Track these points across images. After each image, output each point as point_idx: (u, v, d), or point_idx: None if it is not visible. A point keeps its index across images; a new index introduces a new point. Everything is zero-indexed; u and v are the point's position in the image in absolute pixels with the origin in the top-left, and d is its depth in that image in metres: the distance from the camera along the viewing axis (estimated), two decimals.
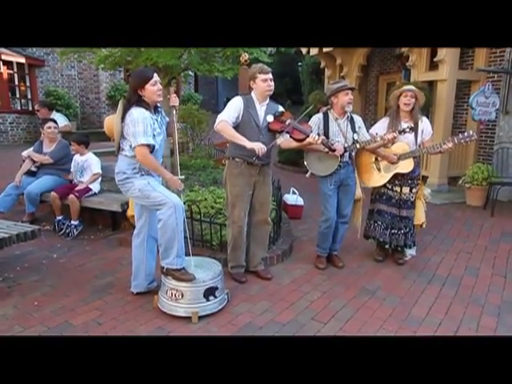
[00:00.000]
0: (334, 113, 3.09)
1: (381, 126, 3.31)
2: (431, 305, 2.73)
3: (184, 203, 2.83)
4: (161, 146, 2.56)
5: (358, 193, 3.29)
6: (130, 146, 2.43)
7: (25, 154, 4.48)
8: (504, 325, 2.47)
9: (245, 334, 2.34)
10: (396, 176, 3.23)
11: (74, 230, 3.96)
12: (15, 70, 10.71)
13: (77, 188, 4.04)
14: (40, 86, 11.28)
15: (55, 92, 10.63)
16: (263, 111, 2.85)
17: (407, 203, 3.27)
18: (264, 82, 2.78)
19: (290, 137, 2.86)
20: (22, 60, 10.68)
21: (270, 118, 2.84)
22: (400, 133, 2.96)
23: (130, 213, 3.47)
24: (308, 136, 2.81)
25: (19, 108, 11.08)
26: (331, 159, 3.00)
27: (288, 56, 16.01)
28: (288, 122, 2.83)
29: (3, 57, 10.07)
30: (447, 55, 5.65)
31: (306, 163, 3.15)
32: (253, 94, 2.86)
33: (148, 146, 2.38)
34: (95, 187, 4.16)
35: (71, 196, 3.94)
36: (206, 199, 3.80)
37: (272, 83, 2.81)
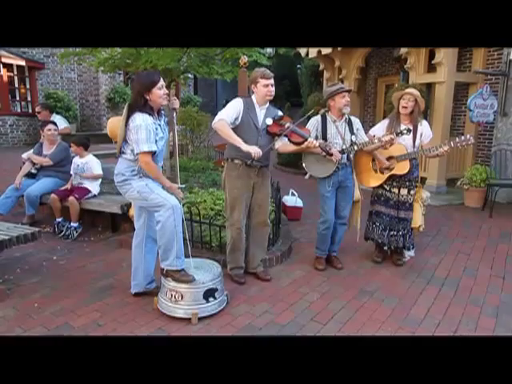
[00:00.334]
0: (331, 115, 3.11)
1: (380, 128, 3.34)
2: (430, 305, 2.74)
3: (183, 205, 2.85)
4: (162, 150, 2.58)
5: (357, 194, 3.31)
6: (132, 150, 2.44)
7: (25, 156, 4.50)
8: (502, 325, 2.48)
9: (244, 335, 2.34)
10: (394, 177, 3.25)
11: (74, 232, 3.97)
12: (15, 72, 10.74)
13: (76, 187, 4.04)
14: (40, 89, 11.30)
15: (55, 94, 10.65)
16: (263, 114, 2.88)
17: (405, 205, 3.29)
18: (265, 88, 2.79)
19: (289, 140, 2.88)
20: (22, 63, 10.71)
21: (269, 121, 2.86)
22: (397, 134, 2.98)
23: (131, 212, 3.48)
24: (306, 140, 2.83)
25: (19, 110, 11.10)
26: (329, 161, 3.02)
27: (287, 58, 16.08)
28: (287, 125, 2.85)
29: (3, 59, 10.10)
30: (445, 57, 5.68)
31: (304, 165, 3.17)
32: (253, 97, 2.89)
33: (150, 152, 2.40)
34: (95, 189, 4.17)
35: (71, 198, 3.95)
36: (205, 201, 3.81)
37: (273, 88, 2.83)
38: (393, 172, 3.21)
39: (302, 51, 8.23)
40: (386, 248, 3.47)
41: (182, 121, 6.91)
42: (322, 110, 3.14)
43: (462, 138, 2.99)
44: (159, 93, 2.41)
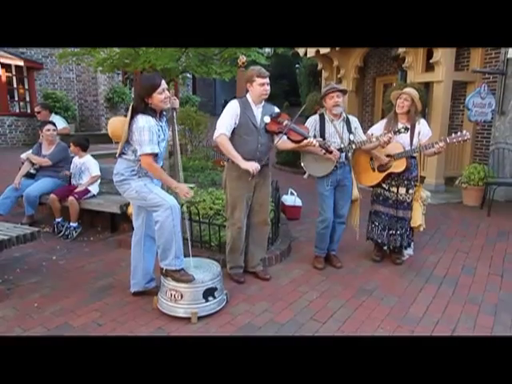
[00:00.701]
0: (329, 114, 3.12)
1: (378, 127, 3.35)
2: (429, 304, 2.75)
3: (182, 205, 2.85)
4: (162, 151, 2.58)
5: (355, 193, 3.31)
6: (133, 151, 2.45)
7: (24, 156, 4.50)
8: (500, 323, 2.50)
9: (244, 334, 2.35)
10: (392, 176, 3.26)
11: (73, 232, 3.98)
12: (14, 72, 10.73)
13: (76, 190, 4.06)
14: (38, 89, 11.29)
15: (53, 95, 10.64)
16: (260, 113, 2.88)
17: (403, 204, 3.29)
18: (261, 86, 2.79)
19: (288, 138, 2.89)
20: (21, 63, 10.70)
21: (267, 119, 2.86)
22: (395, 133, 2.99)
23: (130, 211, 3.49)
24: (305, 138, 2.84)
25: (18, 111, 11.09)
26: (327, 160, 3.03)
27: (285, 58, 16.08)
28: (285, 123, 2.85)
29: (1, 60, 10.09)
30: (443, 56, 5.70)
31: (302, 164, 3.18)
32: (248, 96, 2.88)
33: (152, 154, 2.40)
34: (94, 189, 4.18)
35: (70, 198, 3.95)
36: (204, 200, 3.81)
37: (268, 87, 2.83)
38: (390, 170, 3.22)
39: (301, 51, 8.24)
40: (385, 248, 3.48)
41: (181, 120, 6.91)
42: (321, 110, 3.15)
43: (458, 133, 3.00)
44: (160, 97, 2.40)
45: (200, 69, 5.26)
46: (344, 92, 3.13)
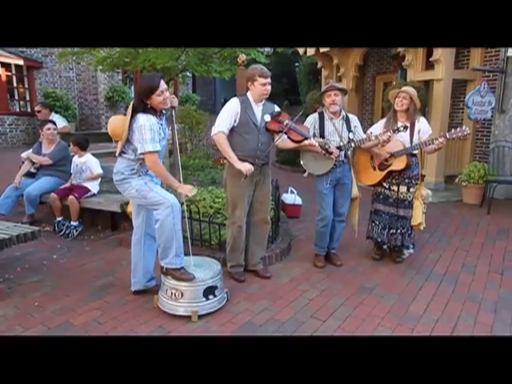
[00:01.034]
0: (328, 113, 3.12)
1: (378, 126, 3.35)
2: (429, 302, 2.75)
3: (182, 203, 2.86)
4: (162, 149, 2.59)
5: (355, 191, 3.31)
6: (133, 150, 2.45)
7: (24, 155, 4.50)
8: (501, 321, 2.50)
9: (244, 332, 2.36)
10: (393, 175, 3.26)
11: (74, 231, 3.98)
12: (13, 71, 10.73)
13: (76, 186, 4.05)
14: (38, 88, 11.29)
15: (53, 93, 10.64)
16: (260, 111, 2.88)
17: (404, 203, 3.27)
18: (262, 86, 2.79)
19: (288, 137, 2.89)
20: (21, 62, 10.70)
21: (268, 118, 2.86)
22: (394, 131, 2.98)
23: (129, 209, 3.49)
24: (306, 138, 2.85)
25: (18, 110, 11.10)
26: (327, 158, 3.03)
27: (285, 56, 16.06)
28: (286, 122, 2.85)
29: (1, 59, 10.09)
30: (443, 55, 5.69)
31: (302, 162, 3.18)
32: (249, 94, 2.88)
33: (155, 152, 2.40)
34: (94, 188, 4.18)
35: (71, 197, 3.96)
36: (204, 199, 3.82)
37: (269, 87, 2.83)
38: (391, 168, 3.22)
39: (300, 49, 8.24)
40: (385, 247, 3.48)
41: (181, 119, 6.92)
42: (321, 108, 3.15)
43: (458, 129, 2.99)
44: (159, 99, 2.40)
45: (200, 67, 5.26)
46: (343, 91, 3.13)
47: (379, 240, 3.38)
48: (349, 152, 3.18)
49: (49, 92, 10.68)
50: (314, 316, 2.55)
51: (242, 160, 2.79)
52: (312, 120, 3.15)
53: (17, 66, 10.71)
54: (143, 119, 2.37)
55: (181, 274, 2.48)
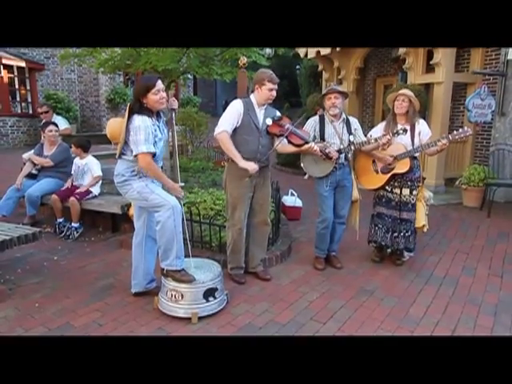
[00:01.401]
0: (328, 115, 3.14)
1: (378, 129, 3.35)
2: (429, 304, 2.76)
3: (183, 205, 2.87)
4: (161, 150, 2.60)
5: (355, 194, 3.32)
6: (131, 151, 2.46)
7: (25, 156, 4.52)
8: (501, 324, 2.50)
9: (244, 334, 2.36)
10: (395, 177, 3.26)
11: (75, 232, 3.99)
12: (15, 73, 10.78)
13: (77, 190, 4.07)
14: (40, 90, 11.33)
15: (55, 95, 10.68)
16: (262, 114, 2.89)
17: (407, 205, 3.26)
18: (269, 91, 2.82)
19: (288, 141, 2.90)
20: (23, 64, 10.75)
21: (269, 121, 2.88)
22: (394, 134, 2.99)
23: (131, 212, 3.50)
24: (307, 142, 2.86)
25: (19, 111, 11.13)
26: (327, 161, 3.04)
27: (286, 59, 16.12)
28: (287, 126, 2.87)
29: (4, 61, 10.14)
30: (443, 58, 5.71)
31: (302, 165, 3.19)
32: (252, 97, 2.90)
33: (149, 153, 2.41)
34: (95, 190, 4.19)
35: (72, 198, 3.97)
36: (205, 201, 3.83)
37: (275, 93, 2.85)
38: (394, 171, 3.22)
39: (301, 52, 8.25)
40: (388, 250, 3.47)
41: (182, 121, 6.94)
42: (321, 111, 3.16)
43: (460, 130, 3.00)
44: (155, 98, 2.41)
45: (201, 70, 5.28)
46: (344, 94, 3.14)
47: (383, 243, 3.36)
48: (349, 155, 3.19)
49: (50, 94, 10.72)
50: (314, 318, 2.56)
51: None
52: (312, 122, 3.17)
53: (19, 67, 10.75)
54: (138, 120, 2.39)
55: (181, 276, 2.48)
